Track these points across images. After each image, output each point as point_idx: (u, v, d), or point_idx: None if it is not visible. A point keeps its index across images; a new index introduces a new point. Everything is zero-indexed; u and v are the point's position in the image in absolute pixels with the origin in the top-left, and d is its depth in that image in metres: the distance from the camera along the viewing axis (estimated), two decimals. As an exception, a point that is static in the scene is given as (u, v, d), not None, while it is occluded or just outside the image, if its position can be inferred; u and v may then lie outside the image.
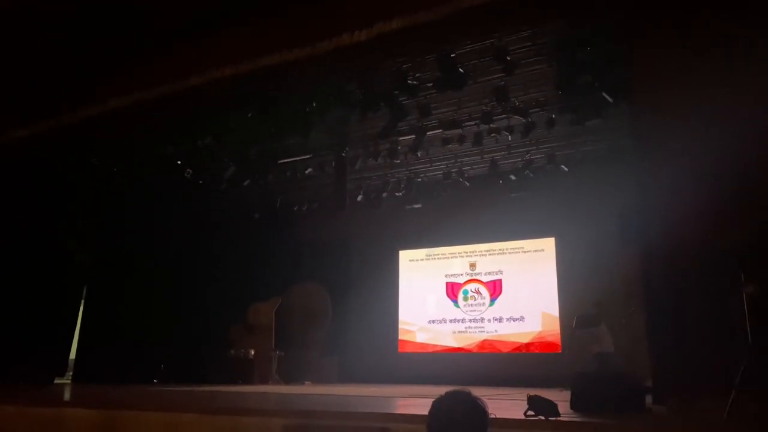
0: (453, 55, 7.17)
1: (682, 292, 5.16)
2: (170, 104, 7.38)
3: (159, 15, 6.71)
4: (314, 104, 8.22)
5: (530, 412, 4.30)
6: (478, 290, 11.49)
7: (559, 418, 4.32)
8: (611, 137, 8.74)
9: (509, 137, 8.98)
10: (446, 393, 2.42)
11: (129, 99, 7.22)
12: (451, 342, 11.40)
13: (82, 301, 11.24)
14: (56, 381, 10.26)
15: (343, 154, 10.05)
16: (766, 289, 3.80)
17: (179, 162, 9.88)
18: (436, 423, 2.35)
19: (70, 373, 10.94)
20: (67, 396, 7.85)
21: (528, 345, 10.76)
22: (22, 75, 7.63)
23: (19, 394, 7.40)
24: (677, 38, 5.49)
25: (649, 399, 5.30)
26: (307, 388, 9.57)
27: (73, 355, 11.06)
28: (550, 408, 4.37)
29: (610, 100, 7.35)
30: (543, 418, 4.28)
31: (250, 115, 8.43)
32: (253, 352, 10.87)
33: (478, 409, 2.34)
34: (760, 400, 3.45)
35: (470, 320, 11.39)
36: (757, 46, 5.07)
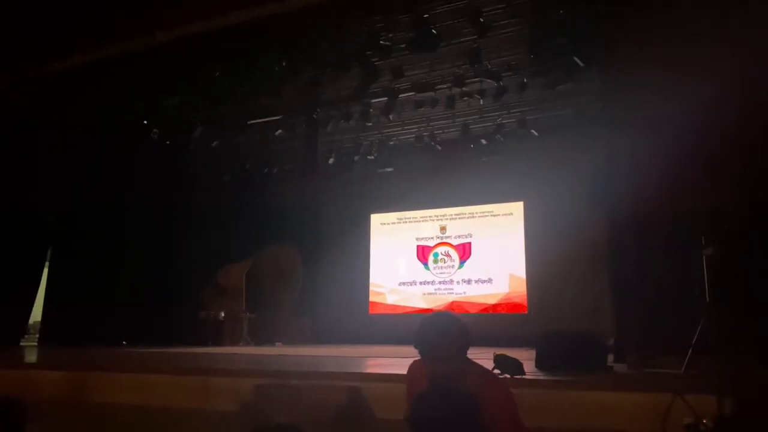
0: (426, 16, 7.07)
1: (646, 255, 5.31)
2: (136, 61, 7.15)
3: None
4: (285, 63, 8.04)
5: (496, 371, 4.42)
6: (448, 253, 11.63)
7: (524, 376, 4.45)
8: (581, 103, 8.79)
9: (481, 101, 8.97)
10: (431, 314, 2.55)
11: (93, 55, 6.98)
12: (421, 303, 11.57)
13: (47, 263, 11.03)
14: (23, 343, 10.13)
15: (315, 116, 9.92)
16: (725, 251, 3.93)
17: (145, 121, 9.63)
18: (421, 340, 2.49)
19: (37, 336, 10.81)
20: (34, 358, 7.77)
21: (495, 306, 10.98)
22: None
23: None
24: (649, 6, 5.51)
25: (611, 357, 5.49)
26: (278, 350, 9.64)
27: (39, 317, 10.90)
28: (516, 366, 4.50)
29: (581, 64, 7.37)
30: (508, 376, 4.40)
31: (218, 74, 8.22)
32: (223, 314, 10.85)
33: (460, 325, 2.51)
34: (717, 357, 3.60)
35: (440, 282, 11.55)
36: (728, 18, 5.12)
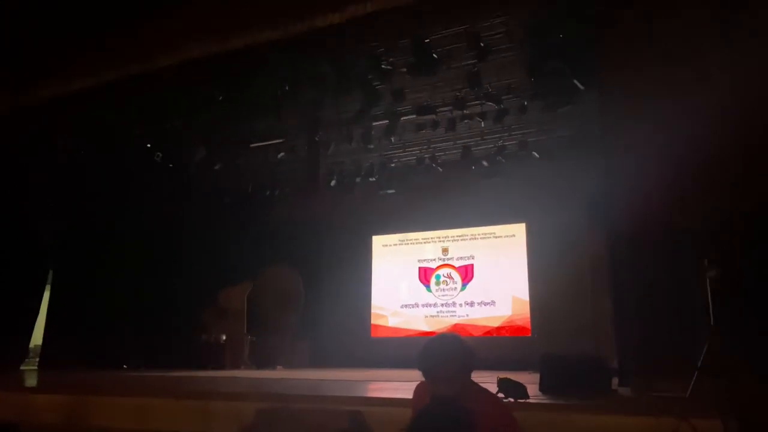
0: (427, 40, 7.15)
1: (648, 276, 5.29)
2: (137, 85, 7.21)
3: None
4: (286, 87, 8.12)
5: (500, 394, 4.38)
6: (450, 275, 11.59)
7: (528, 400, 4.41)
8: (582, 125, 8.84)
9: (482, 123, 9.03)
10: (436, 336, 2.54)
11: (94, 79, 7.04)
12: (423, 326, 11.50)
13: (48, 286, 11.01)
14: (23, 367, 10.07)
15: (316, 138, 9.98)
16: (728, 272, 3.92)
17: (148, 145, 9.68)
18: (424, 361, 2.48)
19: (37, 360, 10.74)
20: (34, 381, 7.71)
21: (498, 329, 10.91)
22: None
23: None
24: (644, 28, 5.57)
25: (615, 380, 5.44)
26: (280, 373, 9.57)
27: (39, 341, 10.85)
28: (520, 390, 4.46)
29: (581, 87, 7.43)
30: (513, 399, 4.36)
31: (220, 97, 8.29)
32: (224, 337, 10.79)
33: (464, 346, 2.46)
34: (722, 380, 3.57)
35: (442, 304, 11.50)
36: (725, 35, 5.17)
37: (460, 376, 2.48)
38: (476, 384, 2.59)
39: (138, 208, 10.73)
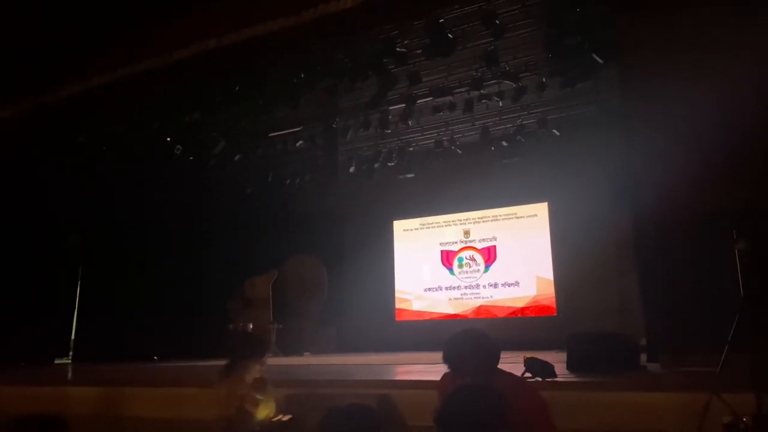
0: (441, 21, 7.07)
1: (675, 251, 5.21)
2: (155, 79, 7.26)
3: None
4: (302, 75, 8.11)
5: (528, 374, 4.37)
6: (473, 257, 11.55)
7: (555, 379, 4.40)
8: (602, 100, 8.69)
9: (500, 103, 8.93)
10: (459, 332, 2.55)
11: (113, 75, 7.11)
12: (448, 309, 11.50)
13: (79, 281, 11.24)
14: (57, 361, 10.32)
15: (334, 125, 9.97)
16: (758, 245, 3.84)
17: (168, 138, 9.77)
18: (449, 358, 2.49)
19: (70, 353, 11.00)
20: (68, 375, 7.90)
21: (523, 309, 10.87)
22: (2, 53, 7.48)
23: (20, 374, 7.45)
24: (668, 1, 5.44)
25: (643, 357, 5.39)
26: (307, 359, 9.67)
27: (72, 335, 11.09)
28: (547, 369, 4.45)
29: (600, 61, 7.30)
30: (540, 379, 4.35)
31: (237, 88, 8.32)
32: (251, 326, 10.91)
33: (488, 343, 2.48)
34: (753, 354, 3.51)
35: (465, 287, 11.48)
36: (747, 5, 5.03)
37: (486, 368, 2.48)
38: (503, 371, 2.59)
39: (161, 202, 10.85)
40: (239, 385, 3.53)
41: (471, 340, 2.55)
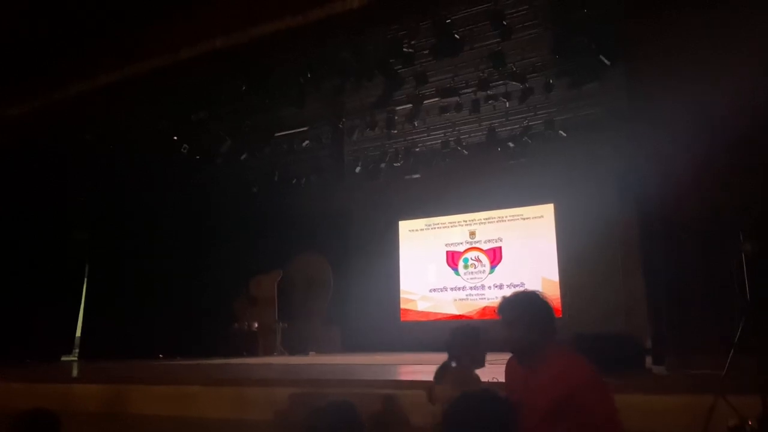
0: (448, 21, 7.06)
1: (681, 253, 5.19)
2: (162, 78, 7.29)
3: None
4: (308, 74, 8.12)
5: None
6: (479, 258, 11.54)
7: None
8: (609, 101, 8.66)
9: (507, 104, 8.91)
10: (513, 294, 2.52)
11: (120, 74, 7.14)
12: (453, 310, 11.50)
13: (85, 279, 11.30)
14: (63, 358, 10.37)
15: (340, 125, 9.98)
16: (764, 247, 3.81)
17: (175, 137, 9.81)
18: (507, 314, 2.44)
19: (77, 350, 11.06)
20: (74, 372, 7.94)
21: (529, 310, 10.83)
22: (9, 52, 7.52)
23: (26, 371, 7.49)
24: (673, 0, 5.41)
25: (648, 359, 5.37)
26: (312, 359, 9.68)
27: (78, 332, 11.15)
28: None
29: (607, 63, 7.26)
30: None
31: (244, 87, 8.34)
32: (256, 325, 10.96)
33: (546, 304, 2.45)
34: (759, 357, 3.49)
35: (471, 288, 11.47)
36: (755, 7, 5.00)
37: (540, 337, 2.39)
38: (557, 345, 2.44)
39: (168, 201, 10.90)
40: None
41: (523, 301, 2.45)
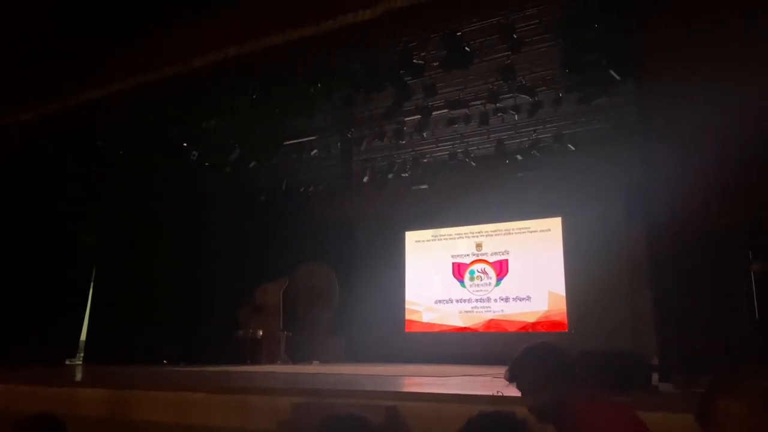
0: (459, 34, 7.10)
1: (689, 270, 5.15)
2: (173, 86, 7.34)
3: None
4: (318, 85, 8.16)
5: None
6: (485, 270, 11.50)
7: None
8: (618, 116, 8.66)
9: (516, 116, 8.93)
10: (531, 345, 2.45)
11: (131, 81, 7.19)
12: (458, 322, 11.45)
13: (92, 283, 11.34)
14: (67, 362, 10.39)
15: (349, 135, 10.01)
16: (774, 265, 3.79)
17: (184, 144, 9.87)
18: (517, 372, 2.41)
19: (81, 355, 11.07)
20: (78, 376, 7.95)
21: (534, 324, 10.78)
22: (22, 58, 7.61)
23: (30, 374, 7.51)
24: (684, 15, 5.41)
25: (656, 377, 5.32)
26: (316, 368, 9.65)
27: (83, 336, 11.18)
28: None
29: (617, 77, 7.27)
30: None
31: (254, 96, 8.39)
32: (261, 333, 10.94)
33: (560, 355, 2.44)
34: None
35: (477, 300, 11.42)
36: (766, 22, 4.99)
37: (556, 388, 2.33)
38: (586, 395, 2.37)
39: (175, 207, 10.94)
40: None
41: (541, 355, 2.40)
